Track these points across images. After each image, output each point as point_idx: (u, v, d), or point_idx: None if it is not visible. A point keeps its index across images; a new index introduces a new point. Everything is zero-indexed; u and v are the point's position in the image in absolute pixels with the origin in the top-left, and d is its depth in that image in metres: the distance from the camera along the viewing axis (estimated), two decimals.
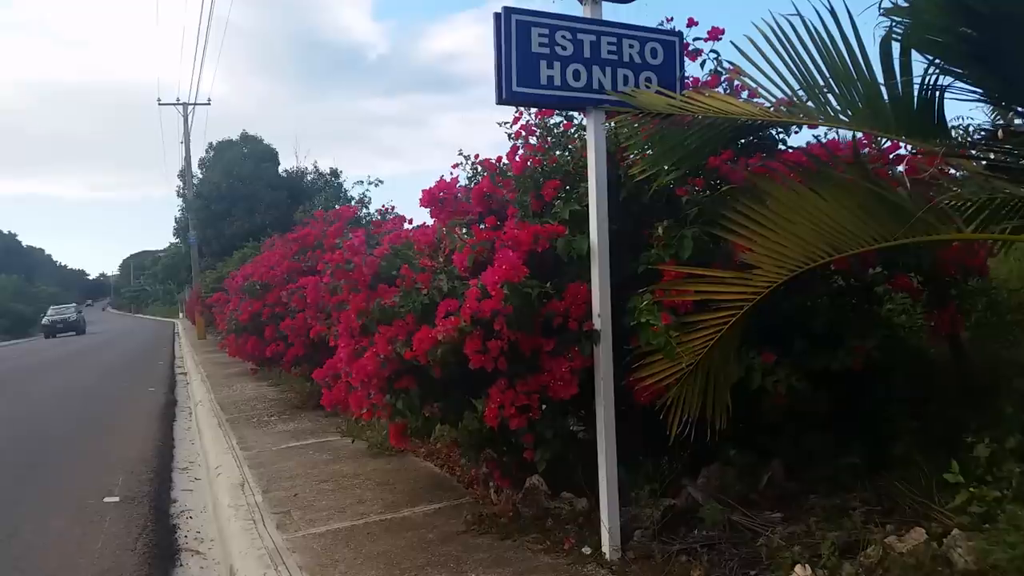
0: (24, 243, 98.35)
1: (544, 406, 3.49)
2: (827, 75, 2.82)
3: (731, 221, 2.89)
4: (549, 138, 4.46)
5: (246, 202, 30.84)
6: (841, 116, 2.89)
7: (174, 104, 31.59)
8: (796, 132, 3.96)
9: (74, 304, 43.67)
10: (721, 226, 2.95)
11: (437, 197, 4.10)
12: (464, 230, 3.93)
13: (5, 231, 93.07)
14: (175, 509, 5.61)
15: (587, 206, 3.59)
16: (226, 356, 18.79)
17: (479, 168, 4.59)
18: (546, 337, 3.41)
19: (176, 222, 37.06)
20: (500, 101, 3.25)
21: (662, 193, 3.60)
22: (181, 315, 45.58)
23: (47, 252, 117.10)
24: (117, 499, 5.67)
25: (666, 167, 3.24)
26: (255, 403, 9.73)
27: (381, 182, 23.79)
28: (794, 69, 2.86)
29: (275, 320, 8.29)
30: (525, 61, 3.21)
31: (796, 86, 2.91)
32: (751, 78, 3.09)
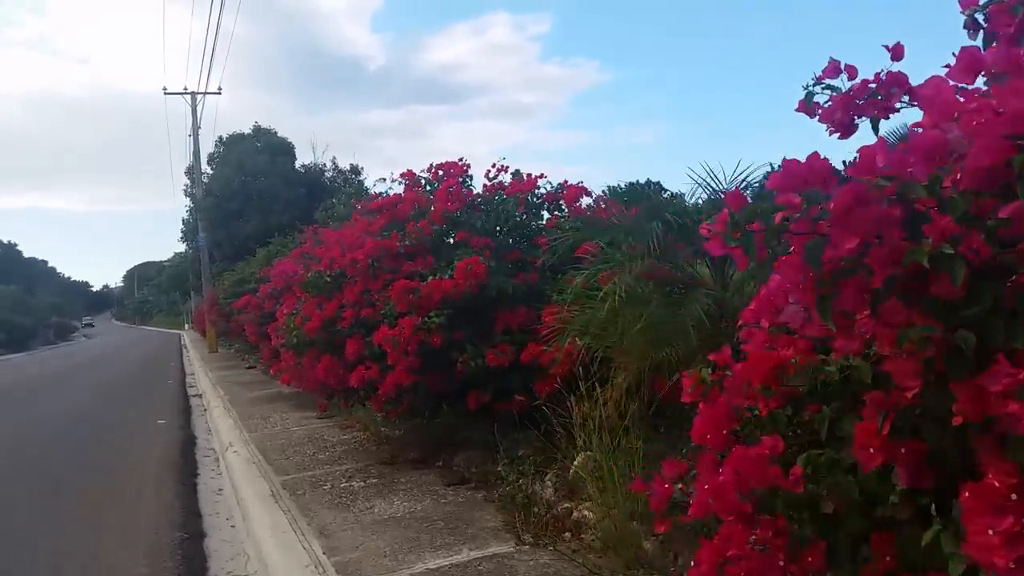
0: (25, 254, 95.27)
1: None
2: None
3: None
4: None
5: (261, 200, 27.83)
6: None
7: (181, 93, 28.54)
8: None
9: None
10: None
11: None
12: None
13: (5, 241, 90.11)
14: None
15: None
16: (245, 372, 15.63)
17: None
18: None
19: (184, 224, 33.93)
20: None
21: None
22: (187, 326, 42.58)
23: (50, 264, 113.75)
24: None
25: None
26: (313, 451, 6.64)
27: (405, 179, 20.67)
28: None
29: (362, 328, 5.20)
30: None
31: None
32: None
